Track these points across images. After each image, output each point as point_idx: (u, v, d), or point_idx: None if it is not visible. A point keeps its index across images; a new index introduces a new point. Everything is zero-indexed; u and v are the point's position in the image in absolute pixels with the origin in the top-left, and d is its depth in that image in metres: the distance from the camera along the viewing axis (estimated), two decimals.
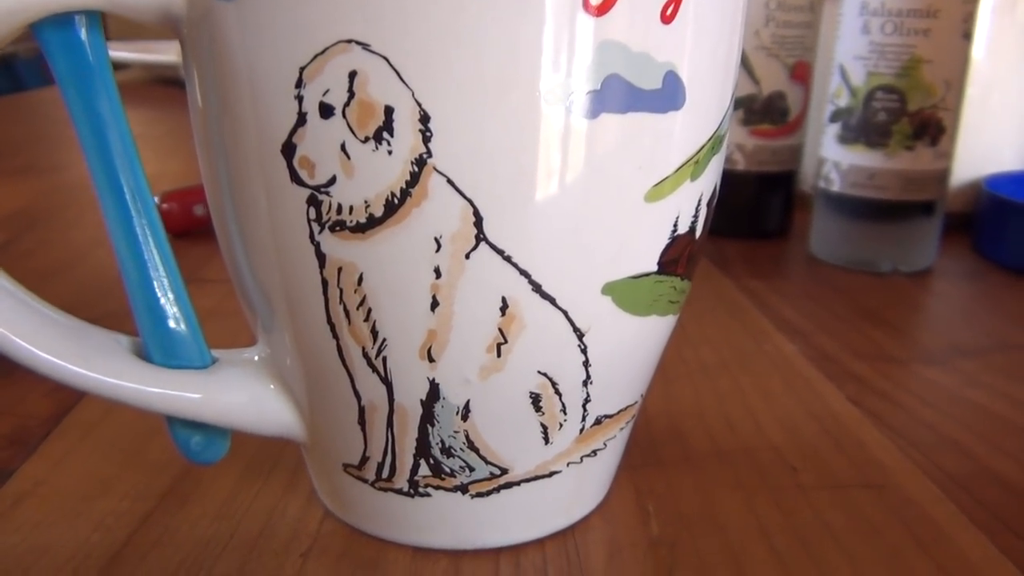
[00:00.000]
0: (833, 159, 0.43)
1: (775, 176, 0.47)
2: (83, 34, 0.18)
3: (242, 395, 0.20)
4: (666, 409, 0.28)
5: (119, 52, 0.98)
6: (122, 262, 0.19)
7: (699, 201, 0.19)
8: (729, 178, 0.47)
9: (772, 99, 0.45)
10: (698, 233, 0.19)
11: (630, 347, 0.19)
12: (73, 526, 0.21)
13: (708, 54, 0.17)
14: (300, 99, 0.16)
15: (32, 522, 0.22)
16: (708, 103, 0.18)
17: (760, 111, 0.46)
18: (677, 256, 0.19)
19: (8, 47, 0.18)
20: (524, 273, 0.17)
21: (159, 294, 0.19)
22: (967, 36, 0.40)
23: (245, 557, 0.20)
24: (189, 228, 0.45)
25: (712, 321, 0.36)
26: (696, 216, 0.19)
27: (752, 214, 0.48)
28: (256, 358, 0.21)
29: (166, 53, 0.93)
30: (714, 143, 0.19)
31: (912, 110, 0.40)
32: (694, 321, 0.35)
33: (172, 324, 0.20)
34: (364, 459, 0.20)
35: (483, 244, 0.17)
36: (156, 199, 0.45)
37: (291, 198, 0.17)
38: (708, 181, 0.19)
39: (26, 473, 0.24)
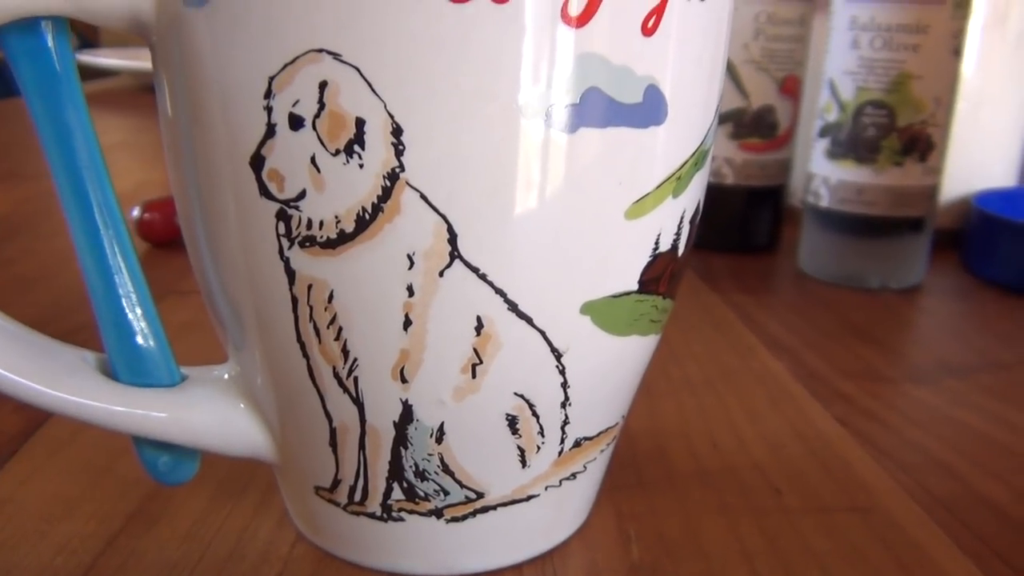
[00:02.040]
0: (822, 174, 0.42)
1: (764, 190, 0.47)
2: (49, 41, 0.17)
3: (211, 415, 0.20)
4: (650, 427, 0.28)
5: (107, 59, 0.98)
6: (88, 276, 0.19)
7: (681, 218, 0.18)
8: (717, 192, 0.47)
9: (761, 113, 0.45)
10: (680, 251, 0.19)
11: (610, 368, 0.19)
12: (37, 548, 0.21)
13: (691, 68, 0.17)
14: (269, 110, 0.15)
15: None
16: (691, 118, 0.17)
17: (749, 125, 0.45)
18: (659, 274, 0.18)
19: None
20: (500, 292, 0.16)
21: (126, 310, 0.19)
22: (957, 52, 0.40)
23: None
24: (171, 238, 0.44)
25: (698, 337, 0.36)
26: (678, 234, 0.18)
27: (740, 228, 0.48)
28: (226, 376, 0.20)
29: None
30: (697, 159, 0.18)
31: (901, 126, 0.40)
32: (680, 336, 0.35)
33: (139, 341, 0.19)
34: (336, 482, 0.19)
35: (457, 261, 0.16)
36: (137, 209, 0.45)
37: (260, 212, 0.16)
38: (691, 198, 0.19)
39: None
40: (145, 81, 0.99)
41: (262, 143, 0.16)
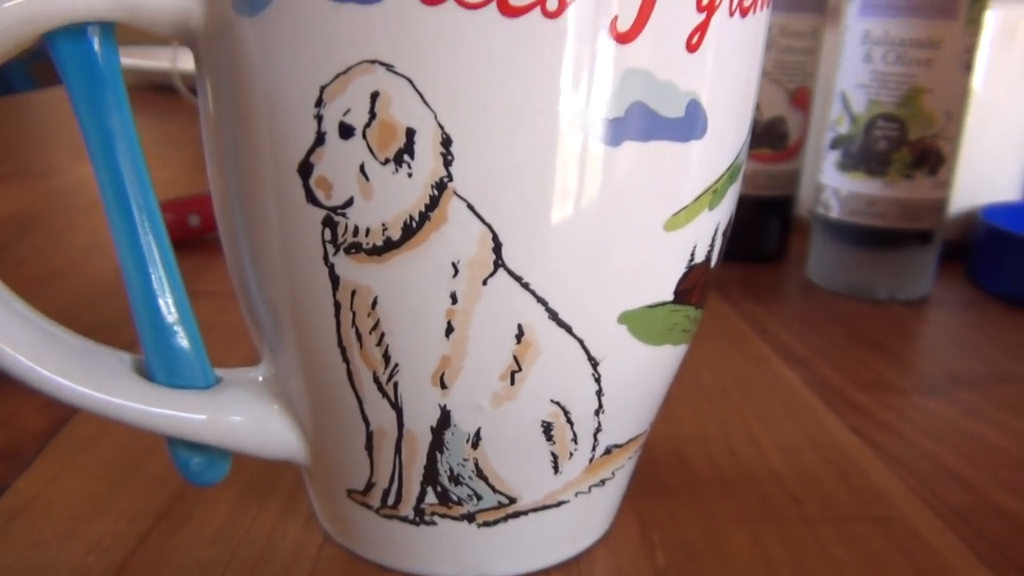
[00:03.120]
0: (833, 186, 0.43)
1: (773, 200, 0.47)
2: (96, 45, 0.18)
3: (246, 417, 0.20)
4: (668, 433, 0.28)
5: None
6: (128, 278, 0.19)
7: (716, 230, 0.19)
8: None
9: (772, 124, 0.45)
10: (713, 262, 0.19)
11: (643, 376, 0.19)
12: (67, 547, 0.21)
13: (729, 83, 0.17)
14: (319, 118, 0.16)
15: (25, 542, 0.21)
16: (728, 132, 0.18)
17: (760, 135, 0.46)
18: (692, 285, 0.19)
19: None
20: (541, 300, 0.17)
21: (164, 312, 0.19)
22: (968, 67, 0.40)
23: None
24: (183, 238, 0.45)
25: (711, 345, 0.36)
26: (712, 245, 0.19)
27: (749, 238, 0.48)
28: (260, 378, 0.21)
29: (158, 59, 0.92)
30: (732, 172, 0.18)
31: (912, 139, 0.40)
32: (693, 344, 0.35)
33: (177, 343, 0.19)
34: (370, 485, 0.19)
35: (501, 270, 0.16)
36: None
37: (306, 218, 0.17)
38: (725, 211, 0.19)
39: (19, 490, 0.23)
40: (150, 80, 0.99)
41: (311, 151, 0.16)
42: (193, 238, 0.45)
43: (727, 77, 0.17)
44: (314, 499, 0.22)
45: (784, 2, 0.44)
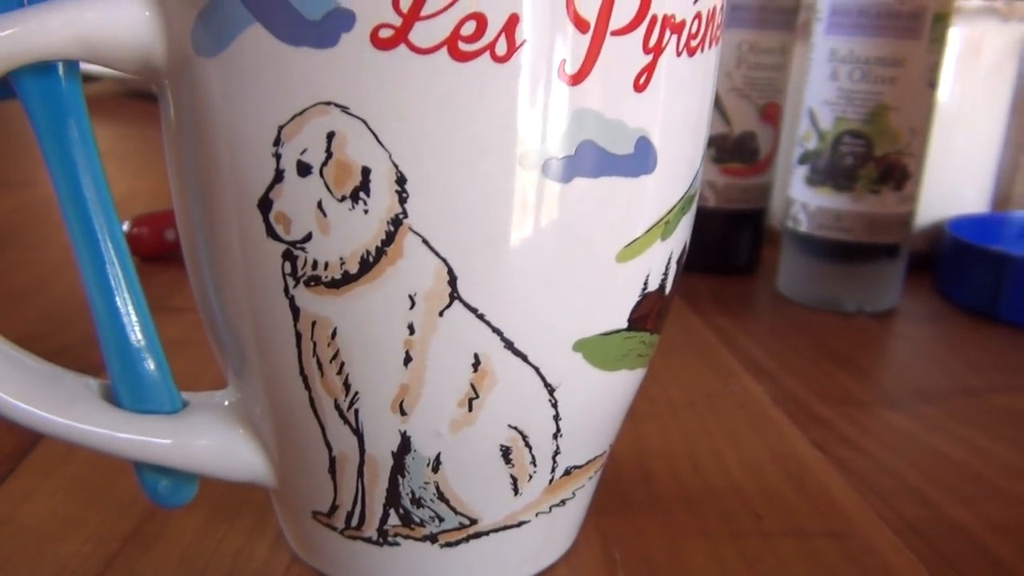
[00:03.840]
0: (801, 200, 0.44)
1: (744, 213, 0.48)
2: (62, 82, 0.18)
3: (212, 441, 0.20)
4: (634, 450, 0.29)
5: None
6: (93, 306, 0.19)
7: (669, 259, 0.19)
8: (699, 215, 0.47)
9: (743, 138, 0.46)
10: (667, 290, 0.20)
11: (600, 401, 0.20)
12: (37, 570, 0.21)
13: (679, 119, 0.18)
14: (278, 156, 0.16)
15: None
16: (679, 165, 0.18)
17: (731, 150, 0.46)
18: (647, 313, 0.19)
19: None
20: (496, 331, 0.17)
21: (130, 339, 0.19)
22: (932, 85, 0.41)
23: None
24: (159, 252, 0.45)
25: (681, 360, 0.37)
26: (666, 274, 0.19)
27: (721, 250, 0.49)
28: (226, 403, 0.21)
29: None
30: (684, 204, 0.19)
31: (878, 155, 0.41)
32: (663, 359, 0.36)
33: (142, 369, 0.20)
34: (334, 507, 0.20)
35: (457, 302, 0.17)
36: (127, 223, 0.45)
37: (267, 252, 0.17)
38: (678, 240, 0.19)
39: None
40: (129, 87, 0.99)
41: (270, 187, 0.16)
42: (169, 252, 0.45)
43: (677, 113, 0.18)
44: (282, 520, 0.23)
45: (754, 19, 0.44)
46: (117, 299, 0.19)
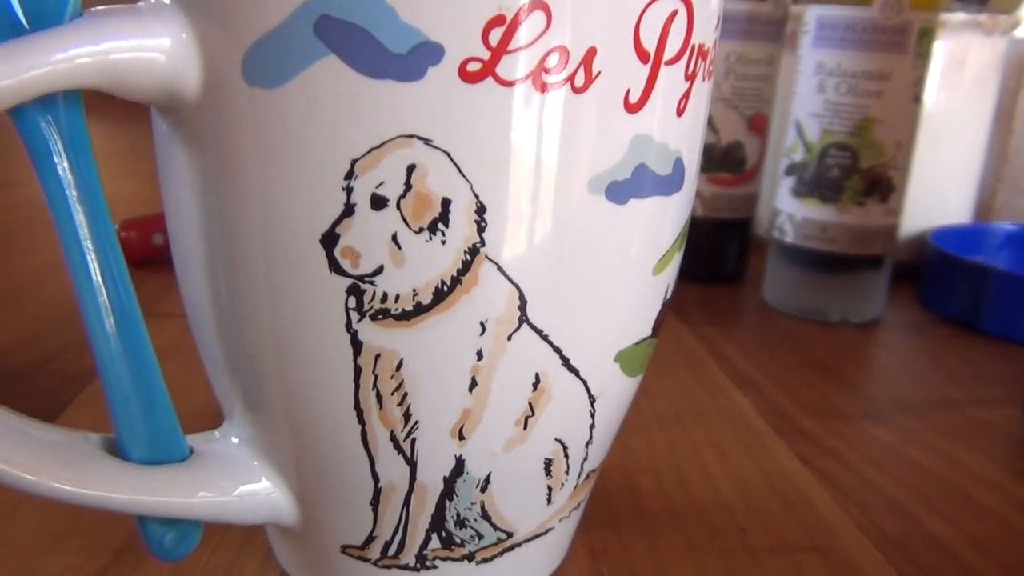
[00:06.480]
0: (787, 211, 0.45)
1: (731, 223, 0.49)
2: (62, 113, 0.16)
3: (230, 487, 0.19)
4: (622, 463, 0.29)
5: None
6: (97, 350, 0.18)
7: (678, 267, 0.21)
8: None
9: (730, 148, 0.47)
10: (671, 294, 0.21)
11: (624, 406, 0.21)
12: None
13: (699, 139, 0.19)
14: (349, 190, 0.16)
15: None
16: (694, 180, 0.20)
17: (718, 160, 0.47)
18: (662, 319, 0.21)
19: None
20: (557, 349, 0.18)
21: (137, 388, 0.18)
22: (917, 99, 0.42)
23: None
24: (148, 257, 0.43)
25: (669, 372, 0.37)
26: (674, 280, 0.21)
27: (708, 259, 0.49)
28: (236, 440, 0.20)
29: None
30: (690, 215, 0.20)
31: (864, 167, 0.42)
32: (652, 371, 0.36)
33: (152, 419, 0.18)
34: (370, 539, 0.20)
35: (525, 325, 0.17)
36: (115, 227, 0.41)
37: (327, 287, 0.16)
38: (683, 246, 0.21)
39: None
40: None
41: (337, 222, 0.16)
42: (158, 257, 0.43)
43: (698, 133, 0.19)
44: (289, 556, 0.22)
45: (742, 30, 0.45)
46: (122, 338, 0.18)
